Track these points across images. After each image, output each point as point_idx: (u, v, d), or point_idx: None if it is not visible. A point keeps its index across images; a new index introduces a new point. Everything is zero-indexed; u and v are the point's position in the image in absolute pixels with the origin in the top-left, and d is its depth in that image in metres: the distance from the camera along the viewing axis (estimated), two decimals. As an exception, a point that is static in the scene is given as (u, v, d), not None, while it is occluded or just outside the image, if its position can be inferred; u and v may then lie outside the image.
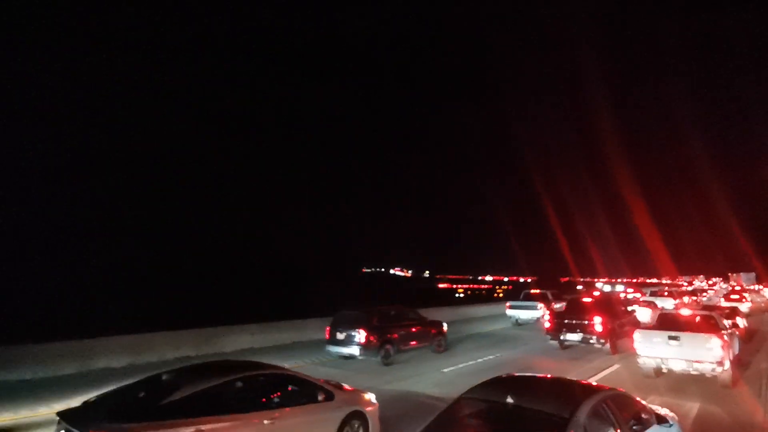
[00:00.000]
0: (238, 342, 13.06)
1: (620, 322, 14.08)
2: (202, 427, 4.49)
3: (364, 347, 10.72)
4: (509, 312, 21.78)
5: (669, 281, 61.58)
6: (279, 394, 5.49)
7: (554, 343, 13.97)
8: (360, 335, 10.74)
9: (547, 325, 14.31)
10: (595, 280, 62.10)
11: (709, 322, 10.58)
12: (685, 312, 12.16)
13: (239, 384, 5.19)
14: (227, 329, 13.25)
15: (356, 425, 5.90)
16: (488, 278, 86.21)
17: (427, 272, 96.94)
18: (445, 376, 10.14)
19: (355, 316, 11.38)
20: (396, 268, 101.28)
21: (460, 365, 11.29)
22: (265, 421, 4.97)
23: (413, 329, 12.40)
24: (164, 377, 5.17)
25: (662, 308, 21.22)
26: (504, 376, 5.20)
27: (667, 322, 10.81)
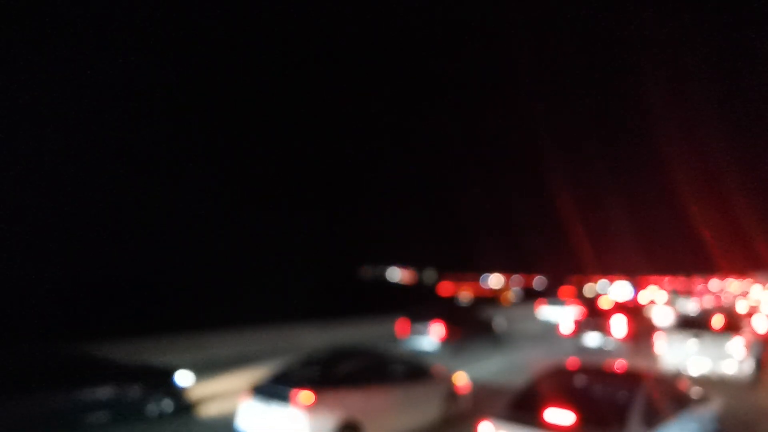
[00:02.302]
0: (309, 339, 15.02)
1: (640, 325, 14.78)
2: (365, 393, 6.24)
3: (442, 341, 12.77)
4: (541, 312, 23.49)
5: (684, 278, 63.12)
6: (405, 371, 7.16)
7: (575, 345, 14.52)
8: (439, 331, 12.80)
9: (568, 328, 15.06)
10: (608, 277, 63.26)
11: (730, 322, 11.11)
12: (705, 313, 13.03)
13: (381, 362, 6.94)
14: (302, 328, 15.30)
15: (454, 399, 7.59)
16: (495, 280, 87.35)
17: (434, 272, 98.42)
18: (504, 366, 11.84)
19: (432, 313, 13.43)
20: (397, 266, 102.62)
21: (514, 357, 13.00)
22: (400, 391, 6.72)
23: (474, 325, 14.48)
24: (322, 357, 6.81)
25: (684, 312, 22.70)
26: (569, 364, 6.03)
27: (687, 324, 11.38)
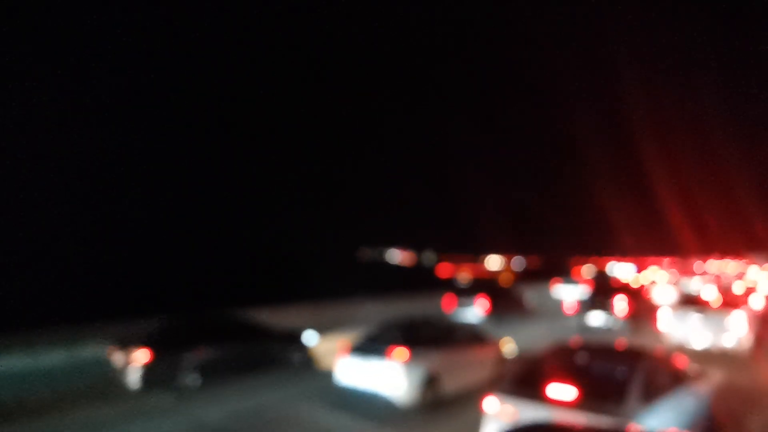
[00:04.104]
0: (367, 312, 17.11)
1: (641, 304, 15.54)
2: (441, 352, 7.51)
3: (486, 314, 15.05)
4: (556, 291, 25.89)
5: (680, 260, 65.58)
6: (468, 336, 8.41)
7: (578, 324, 15.11)
8: (484, 304, 15.08)
9: (571, 307, 16.07)
10: (609, 259, 65.58)
11: (730, 300, 11.79)
12: (707, 292, 14.11)
13: (449, 328, 8.49)
14: (358, 303, 17.44)
15: (502, 362, 8.83)
16: (495, 261, 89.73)
17: (433, 253, 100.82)
18: (535, 335, 13.50)
19: (479, 289, 15.68)
20: (396, 248, 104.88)
21: (539, 329, 14.67)
22: (465, 352, 8.03)
23: (510, 300, 16.79)
24: (402, 323, 7.97)
25: (686, 290, 23.23)
26: (572, 341, 6.33)
27: (689, 302, 12.00)
